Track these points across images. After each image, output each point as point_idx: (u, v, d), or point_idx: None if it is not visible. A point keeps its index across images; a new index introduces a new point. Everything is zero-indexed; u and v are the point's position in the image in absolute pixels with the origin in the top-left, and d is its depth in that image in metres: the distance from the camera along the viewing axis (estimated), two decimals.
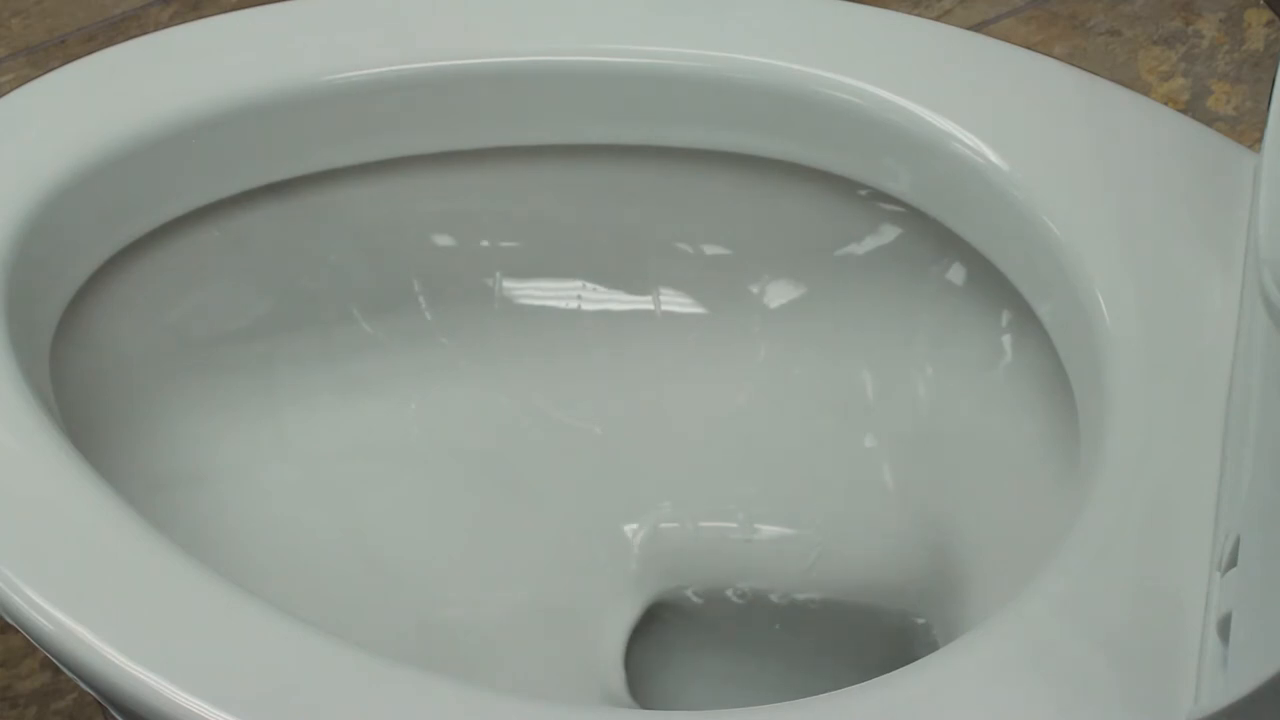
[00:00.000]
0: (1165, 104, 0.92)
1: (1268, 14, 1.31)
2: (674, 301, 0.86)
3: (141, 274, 0.77)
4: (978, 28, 1.31)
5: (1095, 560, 0.60)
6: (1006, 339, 0.80)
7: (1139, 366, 0.65)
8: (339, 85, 0.75)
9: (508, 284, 0.85)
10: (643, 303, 0.86)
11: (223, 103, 0.73)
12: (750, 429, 0.86)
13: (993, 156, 0.71)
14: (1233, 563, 0.57)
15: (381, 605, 0.79)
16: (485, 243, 0.84)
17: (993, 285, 0.76)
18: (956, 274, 0.80)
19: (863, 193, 0.80)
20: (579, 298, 0.85)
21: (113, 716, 0.99)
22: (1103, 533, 0.61)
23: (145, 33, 0.93)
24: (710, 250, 0.84)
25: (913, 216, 0.78)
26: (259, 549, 0.78)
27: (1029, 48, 0.78)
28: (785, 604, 0.86)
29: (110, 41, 1.37)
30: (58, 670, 1.07)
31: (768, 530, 0.86)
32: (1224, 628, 0.56)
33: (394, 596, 0.80)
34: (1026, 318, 0.74)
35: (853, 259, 0.83)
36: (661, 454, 0.87)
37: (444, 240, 0.84)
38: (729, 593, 0.86)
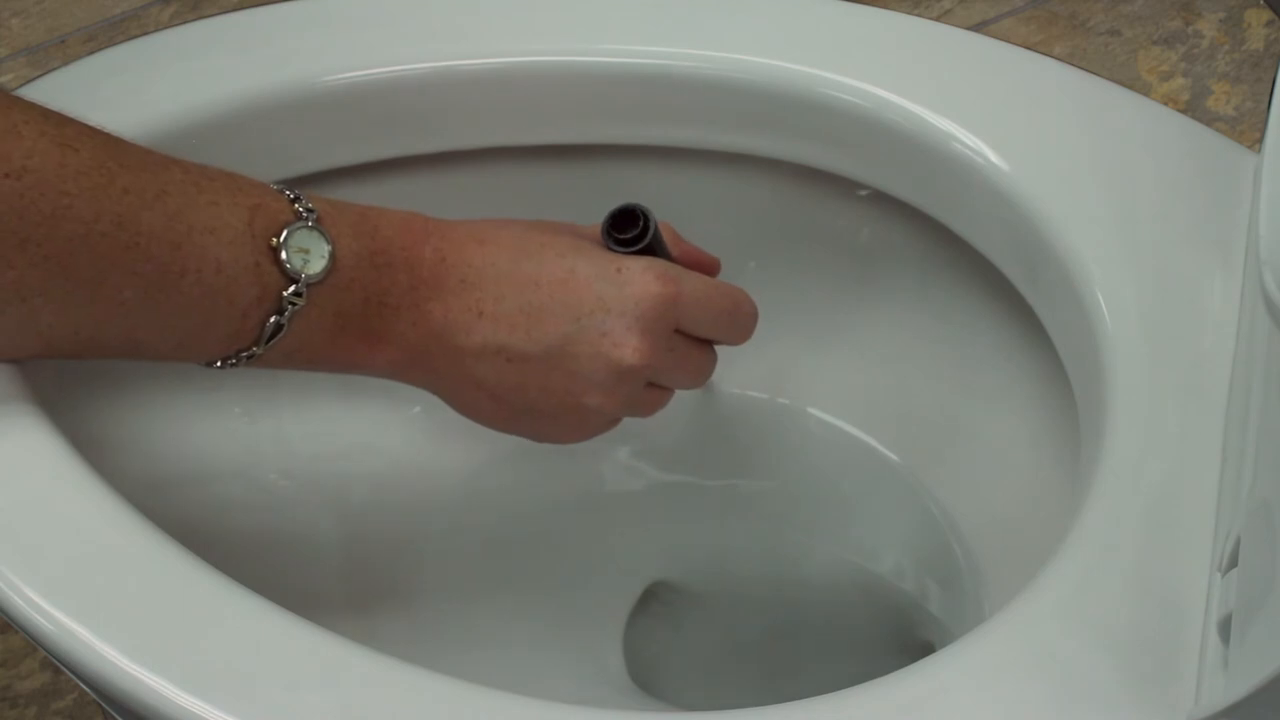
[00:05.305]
0: (1165, 104, 0.92)
1: (1268, 14, 1.31)
2: None
3: None
4: (978, 28, 1.31)
5: (1095, 560, 0.60)
6: (1007, 339, 0.80)
7: (1139, 367, 0.65)
8: (339, 85, 0.75)
9: None
10: None
11: (223, 103, 0.73)
12: (749, 427, 0.86)
13: (993, 156, 0.71)
14: (1233, 563, 0.57)
15: (380, 605, 0.79)
16: None
17: (993, 285, 0.76)
18: (957, 274, 0.80)
19: (863, 193, 0.80)
20: None
21: (112, 716, 0.99)
22: (1103, 533, 0.61)
23: (145, 33, 0.93)
24: (710, 250, 0.84)
25: (913, 216, 0.78)
26: (258, 549, 0.78)
27: (1029, 48, 0.78)
28: (783, 601, 0.86)
29: (110, 41, 1.37)
30: (58, 670, 1.07)
31: (766, 527, 0.86)
32: (1224, 628, 0.56)
33: (393, 596, 0.80)
34: (1027, 318, 0.74)
35: (853, 259, 0.83)
36: (661, 452, 0.87)
37: None
38: (727, 583, 0.87)
